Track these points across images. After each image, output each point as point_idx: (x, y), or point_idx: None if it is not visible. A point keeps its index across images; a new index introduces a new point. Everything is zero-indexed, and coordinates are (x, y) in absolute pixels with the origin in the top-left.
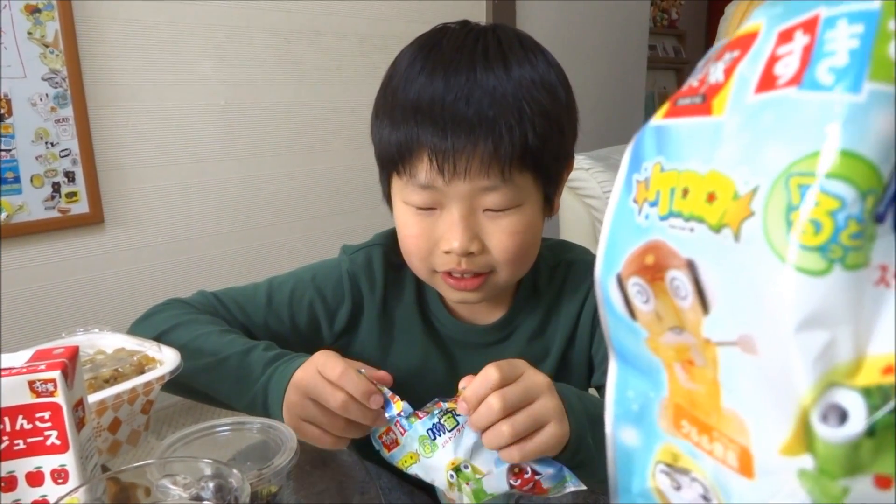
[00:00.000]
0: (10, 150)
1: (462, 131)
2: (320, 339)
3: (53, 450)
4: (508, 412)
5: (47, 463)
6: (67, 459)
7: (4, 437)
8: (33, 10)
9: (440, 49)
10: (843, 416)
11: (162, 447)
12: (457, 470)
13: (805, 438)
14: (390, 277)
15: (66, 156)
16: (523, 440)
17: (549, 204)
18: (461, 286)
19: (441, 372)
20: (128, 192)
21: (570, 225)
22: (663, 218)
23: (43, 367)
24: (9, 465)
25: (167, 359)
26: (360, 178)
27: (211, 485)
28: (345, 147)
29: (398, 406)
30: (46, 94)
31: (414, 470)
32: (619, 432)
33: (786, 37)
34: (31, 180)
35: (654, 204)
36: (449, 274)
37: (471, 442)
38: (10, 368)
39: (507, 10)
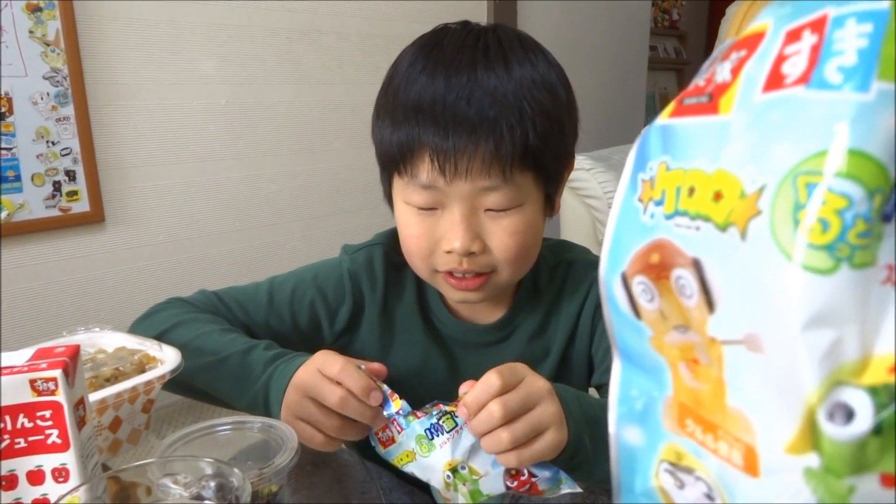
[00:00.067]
0: (10, 149)
1: (463, 131)
2: (321, 338)
3: (54, 448)
4: (508, 419)
5: (48, 462)
6: (68, 458)
7: (5, 436)
8: (34, 9)
9: (441, 49)
10: (849, 415)
11: (163, 446)
12: (454, 470)
13: (811, 437)
14: (391, 277)
15: (66, 154)
16: (521, 446)
17: (550, 203)
18: (462, 286)
19: (441, 371)
20: (128, 191)
21: (571, 225)
22: (669, 217)
23: (44, 365)
24: (9, 464)
25: (168, 358)
26: (360, 178)
27: (212, 484)
28: (346, 147)
29: (397, 404)
30: (47, 93)
31: (410, 468)
32: (622, 431)
33: (794, 36)
34: (32, 179)
35: (659, 203)
36: (450, 274)
37: (468, 444)
38: (11, 367)
39: (509, 10)
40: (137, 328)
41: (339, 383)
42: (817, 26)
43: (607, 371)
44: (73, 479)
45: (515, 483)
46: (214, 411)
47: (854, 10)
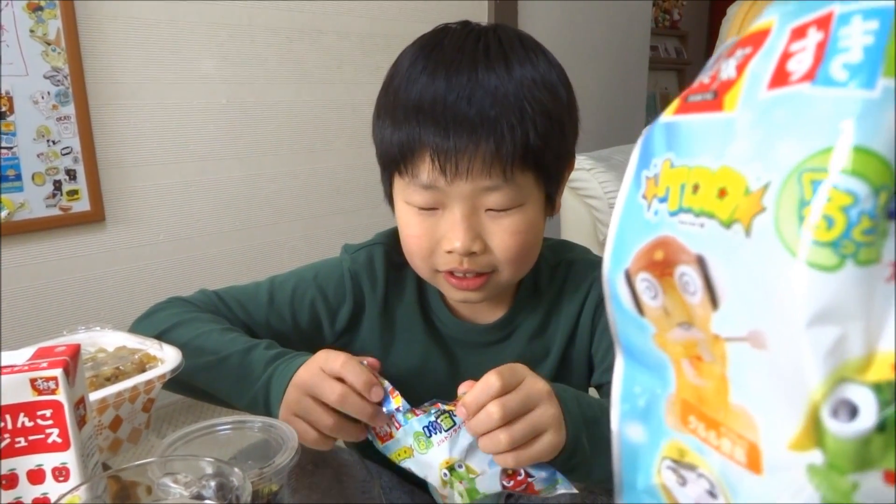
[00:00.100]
0: (11, 148)
1: (464, 131)
2: (322, 337)
3: (54, 448)
4: (507, 420)
5: (48, 461)
6: (68, 457)
7: (6, 435)
8: (35, 8)
9: (441, 49)
10: (853, 412)
11: (163, 445)
12: (451, 469)
13: (815, 433)
14: (391, 276)
15: (67, 154)
16: (519, 448)
17: (551, 203)
18: (463, 286)
19: (442, 371)
20: (129, 191)
21: (572, 225)
22: (673, 214)
23: (44, 364)
24: (10, 463)
25: (168, 357)
26: (361, 178)
27: (212, 483)
28: (346, 146)
29: (397, 401)
30: (48, 92)
31: (407, 464)
32: (624, 429)
33: (799, 33)
34: (33, 178)
35: (663, 200)
36: (451, 273)
37: (466, 443)
38: (11, 366)
39: (509, 10)
40: (138, 327)
41: (339, 380)
42: (823, 23)
43: (607, 371)
44: (74, 479)
45: (512, 483)
46: (215, 411)
47: (860, 8)
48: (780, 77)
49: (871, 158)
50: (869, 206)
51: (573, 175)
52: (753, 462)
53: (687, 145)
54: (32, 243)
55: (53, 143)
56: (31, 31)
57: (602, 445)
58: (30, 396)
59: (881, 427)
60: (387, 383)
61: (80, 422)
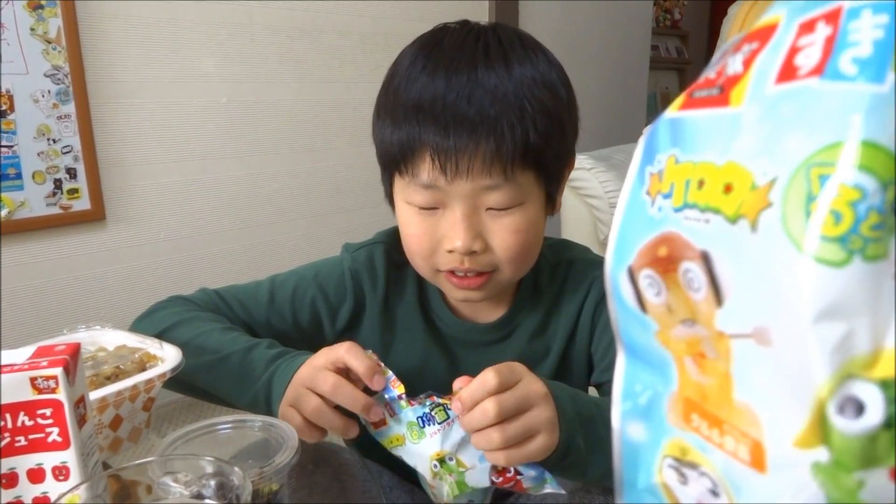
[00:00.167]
0: (11, 147)
1: (464, 130)
2: (322, 336)
3: (55, 447)
4: (502, 419)
5: (48, 460)
6: (69, 456)
7: (6, 434)
8: (36, 7)
9: (441, 48)
10: (859, 409)
11: (163, 445)
12: (441, 461)
13: (820, 431)
14: (392, 276)
15: (67, 152)
16: (511, 447)
17: (552, 202)
18: (464, 285)
19: (442, 370)
20: (129, 189)
21: (572, 225)
22: (678, 210)
23: (44, 363)
24: (10, 462)
25: (169, 356)
26: (361, 177)
27: (212, 482)
28: (346, 145)
29: (399, 389)
30: (49, 91)
31: (398, 452)
32: (626, 427)
33: (807, 28)
34: (33, 177)
35: (667, 196)
36: (452, 273)
37: (458, 437)
38: (11, 365)
39: (510, 9)
40: (138, 326)
41: (337, 371)
42: (832, 18)
43: (607, 369)
44: (74, 478)
45: (501, 479)
46: (215, 410)
47: (870, 2)
48: (788, 71)
49: (879, 153)
50: (877, 200)
51: (574, 174)
52: (757, 460)
53: (692, 141)
54: (33, 242)
55: (54, 141)
56: (32, 29)
57: (598, 444)
58: (30, 395)
59: (888, 424)
60: (390, 372)
61: (81, 421)
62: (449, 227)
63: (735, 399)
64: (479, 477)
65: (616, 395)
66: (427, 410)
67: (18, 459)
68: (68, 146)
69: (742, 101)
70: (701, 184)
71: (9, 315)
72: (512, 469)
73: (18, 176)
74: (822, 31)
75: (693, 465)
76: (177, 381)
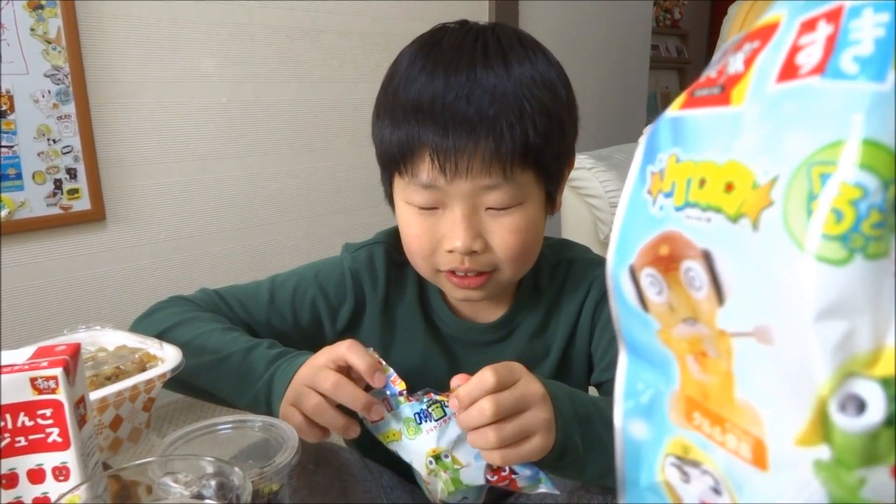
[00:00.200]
0: (12, 147)
1: (463, 130)
2: (322, 336)
3: (55, 447)
4: (498, 418)
5: (48, 460)
6: (69, 457)
7: (6, 434)
8: (36, 7)
9: (440, 48)
10: (861, 406)
11: (163, 445)
12: (436, 458)
13: (822, 429)
14: (392, 275)
15: (67, 152)
16: (507, 447)
17: (551, 201)
18: (465, 284)
19: (442, 370)
20: (129, 189)
21: (572, 224)
22: (679, 209)
23: (45, 364)
24: (10, 462)
25: (169, 356)
26: (361, 177)
27: (212, 483)
28: (346, 145)
29: (401, 386)
30: (49, 91)
31: (394, 447)
32: (628, 426)
33: (808, 26)
34: (33, 177)
35: (669, 195)
36: (452, 273)
37: (455, 434)
38: (11, 365)
39: (510, 9)
40: (138, 326)
41: (338, 370)
42: (833, 16)
43: (607, 369)
44: (74, 478)
45: (495, 477)
46: (215, 410)
47: (871, 0)
48: (789, 70)
49: (880, 152)
50: (878, 199)
51: (574, 174)
52: (759, 458)
53: (693, 140)
54: (33, 242)
55: (54, 141)
56: (32, 29)
57: (596, 443)
58: (30, 396)
59: (889, 422)
60: (391, 370)
61: (81, 421)
62: (449, 226)
63: (736, 397)
64: (474, 475)
65: (618, 394)
66: (424, 407)
67: (19, 460)
68: (68, 146)
69: (743, 100)
70: (702, 183)
71: (9, 315)
72: (507, 468)
73: (18, 176)
74: (824, 29)
75: (695, 464)
76: (177, 381)
